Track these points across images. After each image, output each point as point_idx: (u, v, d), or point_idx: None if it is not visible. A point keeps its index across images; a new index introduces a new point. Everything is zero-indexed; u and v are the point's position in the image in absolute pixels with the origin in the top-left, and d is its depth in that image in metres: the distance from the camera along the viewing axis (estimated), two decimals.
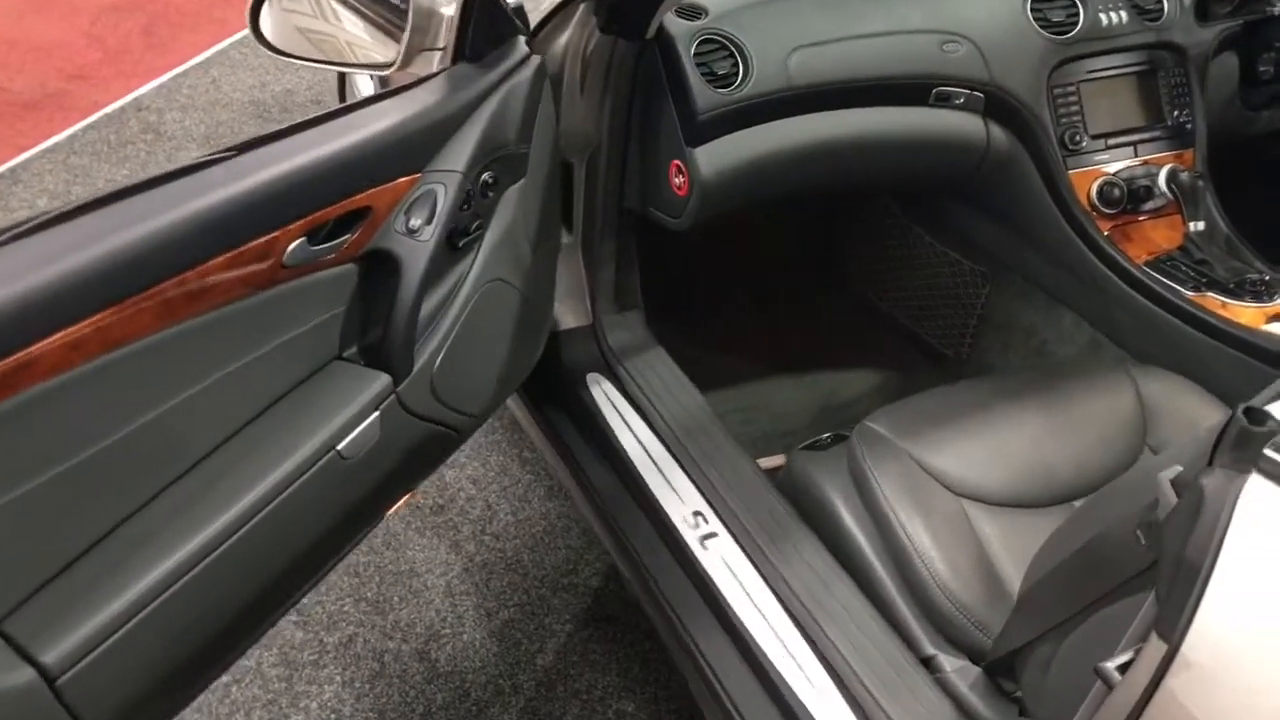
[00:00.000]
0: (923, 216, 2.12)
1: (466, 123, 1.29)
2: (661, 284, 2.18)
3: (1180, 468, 0.89)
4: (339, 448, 1.16)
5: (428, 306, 1.29)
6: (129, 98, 3.77)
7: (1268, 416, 0.74)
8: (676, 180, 1.64)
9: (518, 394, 1.88)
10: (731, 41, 1.60)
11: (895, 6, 1.70)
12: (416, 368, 1.27)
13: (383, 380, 1.22)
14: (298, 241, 1.10)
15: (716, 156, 1.60)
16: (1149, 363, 1.70)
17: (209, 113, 3.68)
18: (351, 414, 1.18)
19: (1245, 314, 1.58)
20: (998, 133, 1.76)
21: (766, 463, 1.89)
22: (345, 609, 1.89)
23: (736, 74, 1.60)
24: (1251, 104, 1.94)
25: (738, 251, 2.27)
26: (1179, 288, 1.65)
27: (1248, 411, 0.74)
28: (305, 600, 1.90)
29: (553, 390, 1.83)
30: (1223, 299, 1.61)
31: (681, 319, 2.21)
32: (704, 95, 1.57)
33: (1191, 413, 1.53)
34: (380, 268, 1.22)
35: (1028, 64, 1.73)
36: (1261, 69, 1.88)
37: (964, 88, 1.72)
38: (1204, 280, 1.65)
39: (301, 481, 1.13)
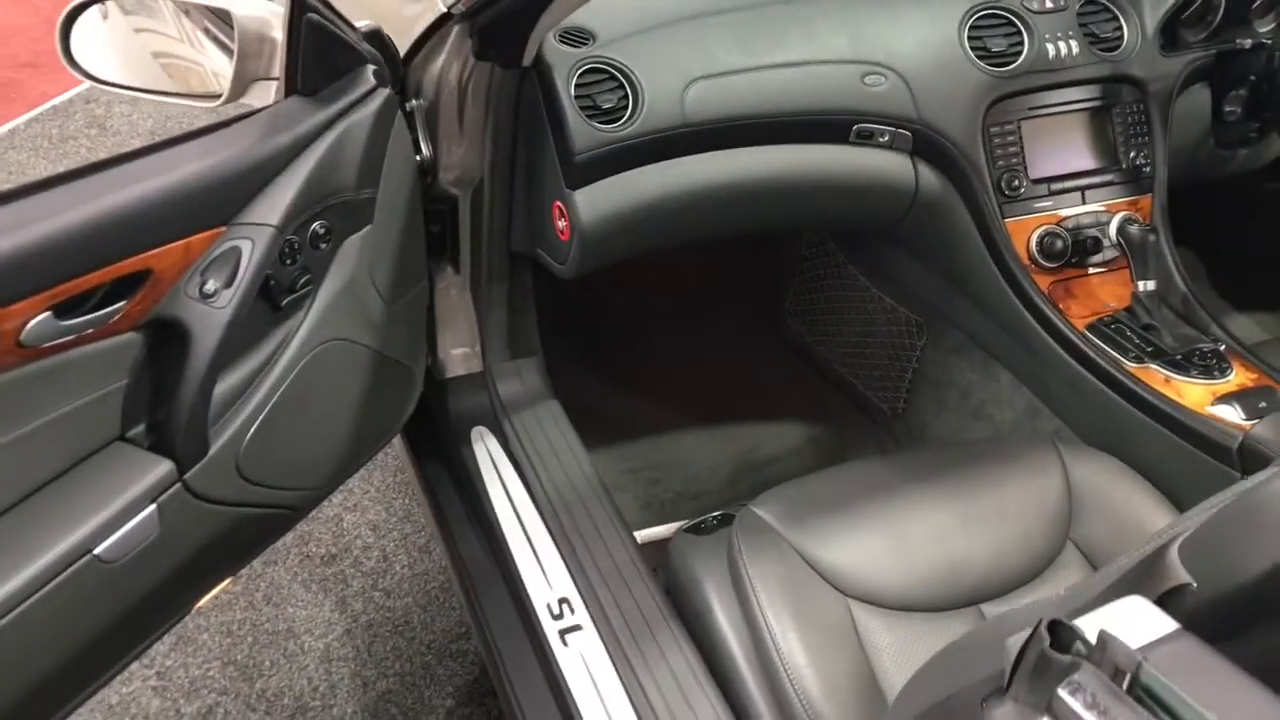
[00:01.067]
0: (859, 256, 1.96)
1: (289, 167, 1.14)
2: (569, 320, 2.04)
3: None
4: (97, 551, 1.02)
5: (236, 376, 1.15)
6: (78, 89, 3.66)
7: (1075, 637, 0.58)
8: (559, 224, 1.49)
9: (404, 444, 1.74)
10: (620, 71, 1.45)
11: (817, 34, 1.54)
12: (215, 448, 1.13)
13: (162, 468, 1.08)
14: (40, 317, 0.96)
15: (598, 200, 1.44)
16: (1088, 438, 1.54)
17: (159, 107, 3.55)
18: (116, 510, 1.04)
19: (1191, 392, 1.41)
20: (927, 174, 1.60)
21: (666, 531, 1.74)
22: (211, 674, 1.76)
23: (625, 108, 1.44)
24: (1225, 142, 1.77)
25: (660, 281, 2.12)
26: (1119, 357, 1.48)
27: (1053, 627, 0.59)
28: (170, 661, 1.77)
29: (437, 442, 1.69)
30: (1167, 373, 1.44)
31: (591, 362, 2.06)
32: (583, 133, 1.41)
33: (1124, 504, 1.37)
34: (166, 337, 1.08)
35: (961, 99, 1.56)
36: (1228, 109, 1.70)
37: (888, 124, 1.55)
38: (1148, 349, 1.48)
39: (46, 591, 0.99)
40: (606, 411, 1.94)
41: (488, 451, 1.63)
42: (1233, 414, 1.36)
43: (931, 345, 1.83)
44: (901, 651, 1.25)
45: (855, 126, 1.54)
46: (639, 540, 1.69)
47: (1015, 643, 0.76)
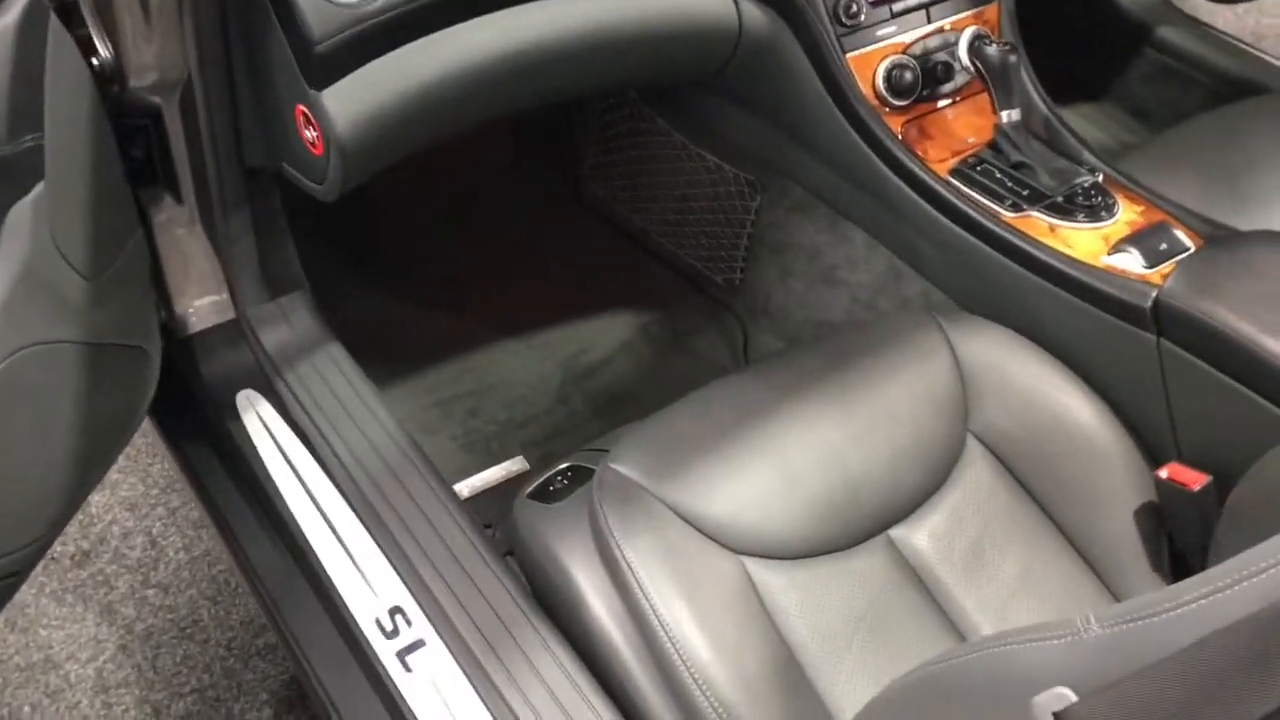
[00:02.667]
0: (669, 108, 1.69)
1: None
2: (332, 237, 1.71)
3: (1069, 694, 0.56)
4: None
5: None
6: None
7: None
8: (308, 134, 1.16)
9: (153, 425, 1.41)
10: None
11: None
12: None
13: None
14: None
15: (354, 100, 1.12)
16: (966, 303, 1.38)
17: None
18: None
19: (1080, 240, 1.25)
20: (751, 10, 1.34)
21: (498, 474, 1.50)
22: None
23: None
24: None
25: (435, 166, 1.80)
26: (994, 206, 1.30)
27: None
28: None
29: (193, 419, 1.37)
30: (1050, 219, 1.27)
31: (370, 283, 1.75)
32: (321, 13, 1.07)
33: (1025, 383, 1.21)
34: None
35: None
36: None
37: None
38: (1024, 193, 1.30)
39: None
40: (400, 340, 1.64)
41: (261, 421, 1.32)
42: (1134, 263, 1.21)
43: (768, 205, 1.60)
44: (812, 610, 1.07)
45: None
46: (466, 493, 1.45)
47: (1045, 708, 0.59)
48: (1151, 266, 1.20)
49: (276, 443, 1.30)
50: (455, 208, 1.85)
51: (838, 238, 1.52)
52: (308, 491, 1.25)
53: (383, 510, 1.20)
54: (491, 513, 1.37)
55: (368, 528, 1.19)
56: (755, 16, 1.34)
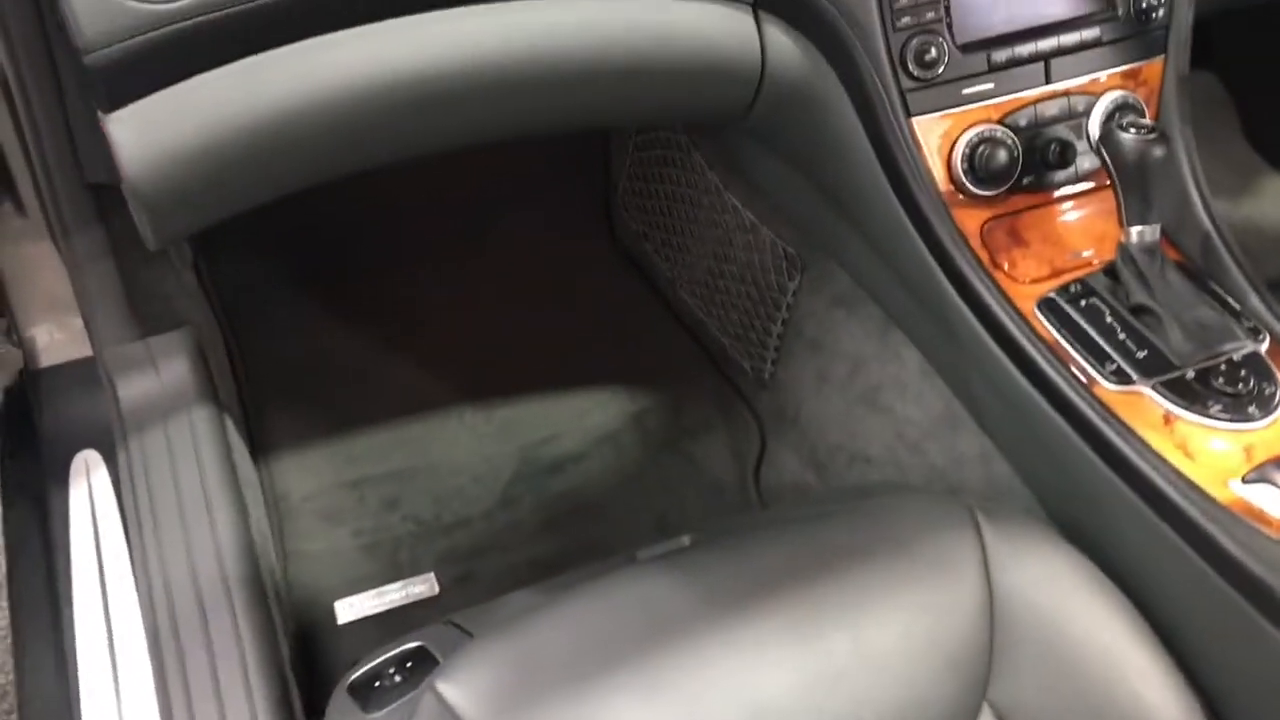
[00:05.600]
0: (708, 140, 1.32)
1: None
2: (273, 236, 1.43)
3: None
4: None
5: None
6: None
7: None
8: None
9: None
10: None
11: None
12: None
13: None
14: None
15: (152, 133, 0.81)
16: (1033, 483, 0.99)
17: None
18: None
19: (1207, 448, 0.84)
20: (781, 41, 0.96)
21: (403, 594, 1.20)
22: None
23: None
24: None
25: (443, 168, 1.48)
26: (1088, 368, 0.90)
27: None
28: None
29: (26, 476, 1.12)
30: (1168, 404, 0.87)
31: (332, 310, 1.46)
32: (96, 10, 0.77)
33: (1085, 650, 0.83)
34: None
35: None
36: None
37: None
38: (1140, 354, 0.90)
39: None
40: (339, 388, 1.35)
41: (89, 496, 1.06)
42: (1278, 504, 0.80)
43: (808, 290, 1.22)
44: None
45: None
46: (346, 616, 1.16)
47: None
48: None
49: (96, 532, 1.04)
50: (458, 221, 1.53)
51: (888, 352, 1.14)
52: (105, 607, 0.98)
53: (171, 670, 0.92)
54: (366, 650, 1.08)
55: (156, 688, 0.92)
56: (785, 50, 0.96)
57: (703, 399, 1.37)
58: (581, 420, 1.35)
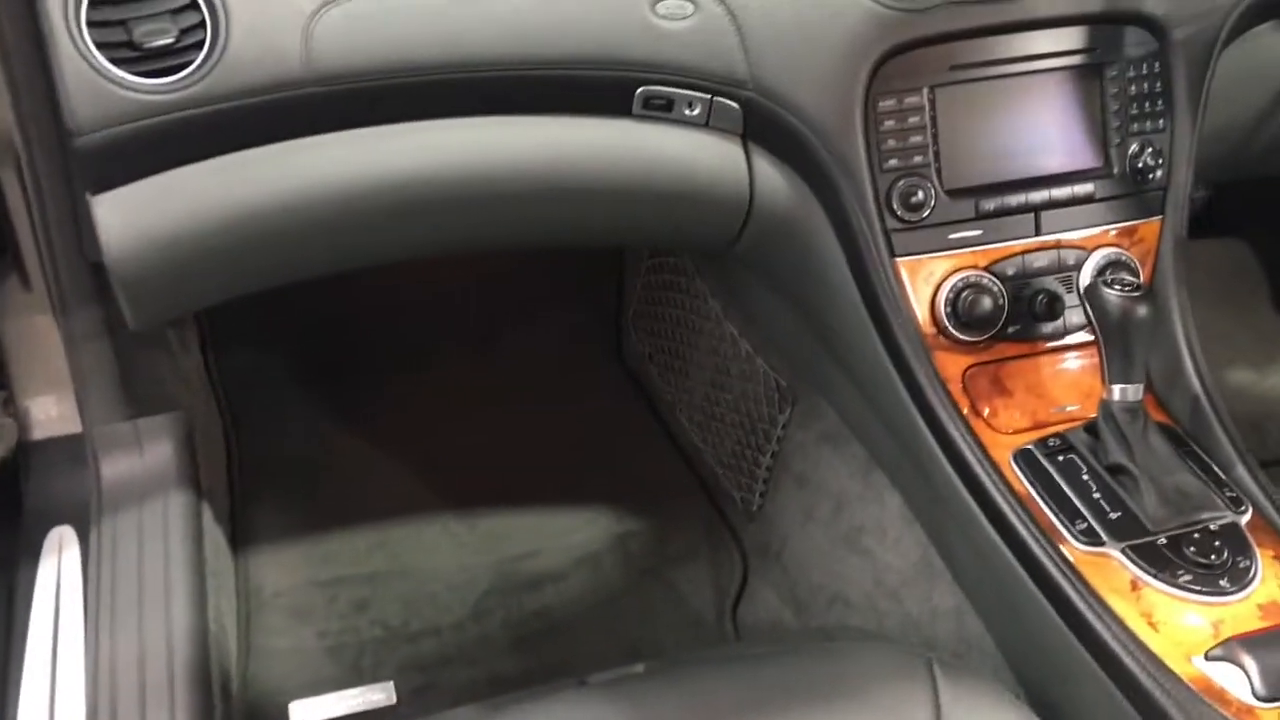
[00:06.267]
0: (710, 269, 1.33)
1: None
2: (307, 340, 1.46)
3: None
4: None
5: None
6: None
7: None
8: None
9: None
10: None
11: None
12: None
13: None
14: None
15: (135, 217, 0.84)
16: (1003, 643, 0.95)
17: None
18: None
19: (1172, 620, 0.80)
20: (770, 173, 0.97)
21: (360, 700, 1.18)
22: None
23: (196, 46, 0.82)
24: None
25: (454, 272, 1.50)
26: (1058, 525, 0.87)
27: None
28: None
29: (2, 549, 1.13)
30: (1136, 569, 0.84)
31: (328, 404, 1.47)
32: (89, 94, 0.80)
33: None
34: None
35: (828, 49, 0.92)
36: None
37: (699, 89, 0.92)
38: (1113, 515, 0.87)
39: None
40: (325, 484, 1.36)
41: (56, 574, 1.07)
42: (1241, 685, 0.76)
43: (798, 424, 1.21)
44: None
45: (641, 90, 0.92)
46: (295, 717, 1.14)
47: None
48: (1271, 699, 0.75)
49: (57, 610, 1.04)
50: (468, 328, 1.54)
51: (871, 493, 1.11)
52: (51, 694, 0.98)
53: None
54: None
55: None
56: (773, 182, 0.97)
57: (690, 527, 1.35)
58: (565, 538, 1.33)
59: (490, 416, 1.46)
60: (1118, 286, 0.89)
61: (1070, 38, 0.97)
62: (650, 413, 1.50)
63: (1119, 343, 0.90)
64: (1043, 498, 0.90)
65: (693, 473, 1.41)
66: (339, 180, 0.88)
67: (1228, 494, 0.90)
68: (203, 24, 0.82)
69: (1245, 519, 0.88)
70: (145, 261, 0.85)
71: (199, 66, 0.82)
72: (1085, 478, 0.91)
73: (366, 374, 1.50)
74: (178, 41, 0.81)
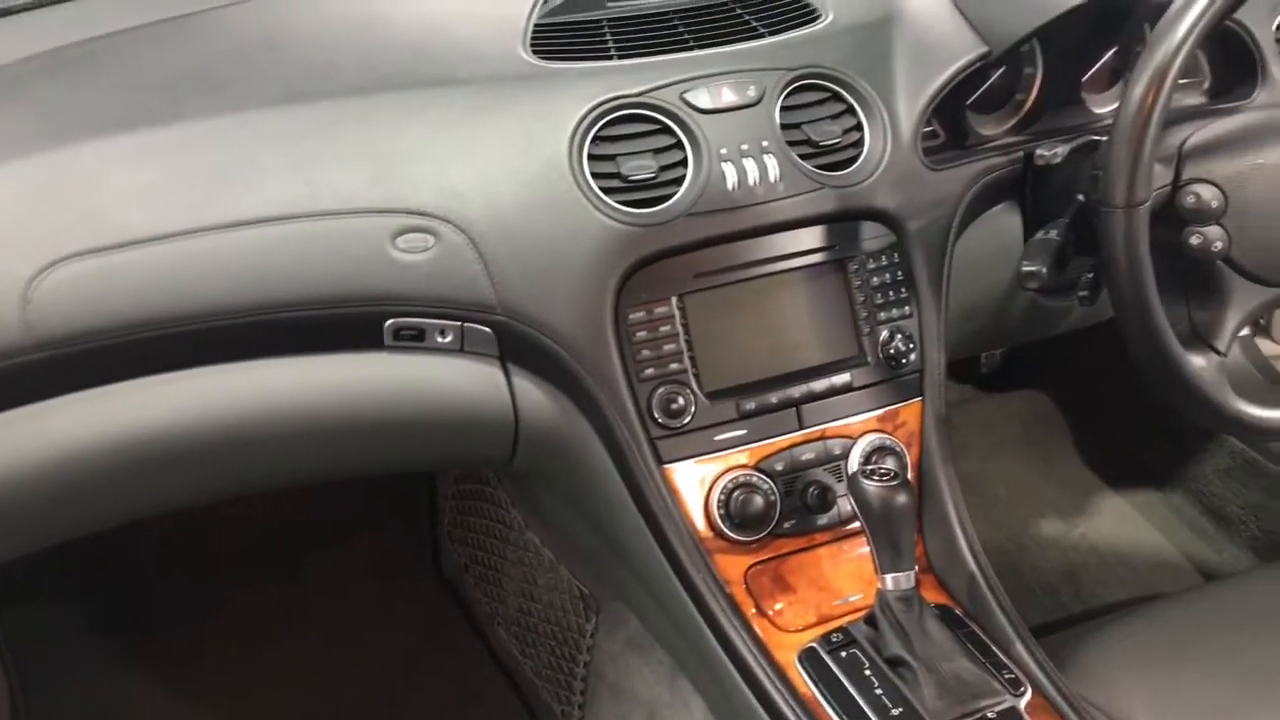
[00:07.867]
0: (510, 482, 1.32)
1: None
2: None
3: None
4: None
5: None
6: None
7: None
8: None
9: None
10: None
11: (310, 163, 0.91)
12: None
13: None
14: None
15: None
16: None
17: None
18: None
19: None
20: (530, 392, 0.98)
21: None
22: None
23: None
24: (1052, 288, 1.16)
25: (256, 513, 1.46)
26: None
27: None
28: None
29: None
30: None
31: (110, 645, 1.41)
32: None
33: None
34: None
35: (571, 268, 0.94)
36: (1052, 235, 1.08)
37: (448, 317, 0.93)
38: (895, 712, 0.86)
39: None
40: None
41: None
42: None
43: (605, 633, 1.19)
44: None
45: (390, 323, 0.92)
46: None
47: None
48: None
49: None
50: (273, 561, 1.49)
51: (678, 699, 1.09)
52: None
53: None
54: None
55: None
56: (535, 400, 0.97)
57: None
58: None
59: (299, 651, 1.39)
60: (875, 476, 0.91)
61: (811, 237, 1.01)
62: (469, 625, 1.45)
63: (884, 532, 0.91)
64: (828, 700, 0.89)
65: (512, 685, 1.37)
66: (75, 444, 0.85)
67: (1006, 676, 0.90)
68: None
69: (1025, 700, 0.88)
70: None
71: None
72: (868, 673, 0.90)
73: (162, 618, 1.43)
74: None
